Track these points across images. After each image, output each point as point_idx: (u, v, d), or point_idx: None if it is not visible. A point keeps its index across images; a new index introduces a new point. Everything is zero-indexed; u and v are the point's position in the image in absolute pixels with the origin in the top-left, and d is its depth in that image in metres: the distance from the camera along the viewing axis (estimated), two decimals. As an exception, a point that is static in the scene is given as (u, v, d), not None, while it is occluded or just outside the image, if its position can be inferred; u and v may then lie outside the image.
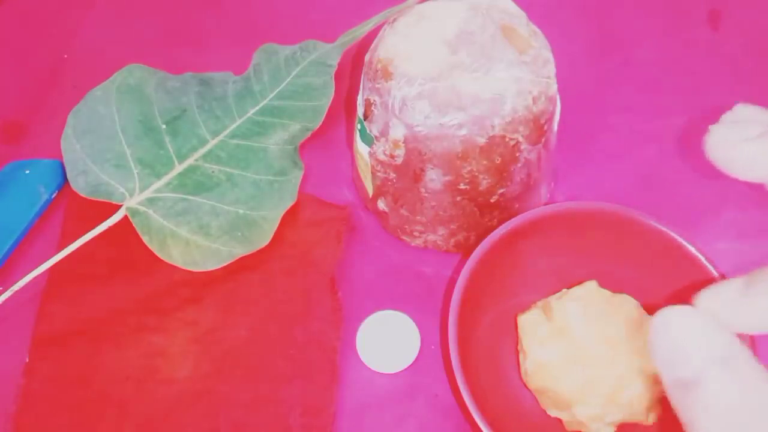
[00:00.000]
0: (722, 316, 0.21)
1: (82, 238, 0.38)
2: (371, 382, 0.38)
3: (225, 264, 0.39)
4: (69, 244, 0.38)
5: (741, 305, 0.21)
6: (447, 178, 0.36)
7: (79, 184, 0.40)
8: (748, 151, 0.23)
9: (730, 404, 0.19)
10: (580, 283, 0.36)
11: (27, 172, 0.42)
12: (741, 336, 0.30)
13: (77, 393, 0.37)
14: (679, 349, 0.21)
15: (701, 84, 0.47)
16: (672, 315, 0.21)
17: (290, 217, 0.40)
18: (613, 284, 0.36)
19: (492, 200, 0.37)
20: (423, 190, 0.37)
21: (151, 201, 0.39)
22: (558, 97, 0.37)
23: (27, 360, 0.38)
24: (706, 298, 0.22)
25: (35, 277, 0.37)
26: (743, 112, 0.25)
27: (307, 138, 0.42)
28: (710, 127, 0.24)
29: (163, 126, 0.42)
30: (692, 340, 0.21)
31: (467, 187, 0.36)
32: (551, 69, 0.35)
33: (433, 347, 0.39)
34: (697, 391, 0.20)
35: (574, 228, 0.37)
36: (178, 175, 0.40)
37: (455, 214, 0.38)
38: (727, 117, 0.24)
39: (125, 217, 0.39)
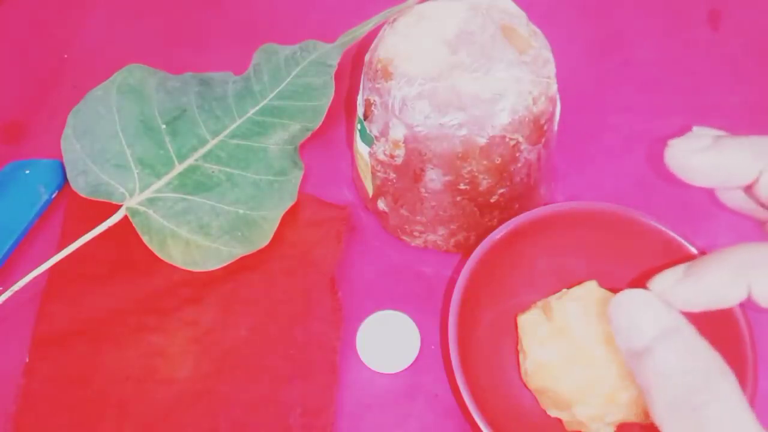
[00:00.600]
0: (667, 296, 0.25)
1: (82, 238, 0.38)
2: (371, 382, 0.38)
3: (225, 264, 0.39)
4: (69, 244, 0.38)
5: (681, 287, 0.25)
6: (447, 178, 0.36)
7: (79, 184, 0.40)
8: (697, 162, 0.27)
9: (676, 367, 0.23)
10: (580, 283, 0.36)
11: (27, 172, 0.42)
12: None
13: (77, 393, 0.37)
14: (633, 324, 0.24)
15: (701, 84, 0.47)
16: (628, 295, 0.25)
17: (290, 217, 0.40)
18: (613, 284, 0.36)
19: (492, 200, 0.37)
20: (423, 190, 0.37)
21: (151, 201, 0.39)
22: (558, 97, 0.37)
23: (27, 360, 0.38)
24: (656, 281, 0.26)
25: (35, 277, 0.37)
26: (701, 131, 0.28)
27: (307, 138, 0.42)
28: (669, 141, 0.28)
29: (163, 126, 0.42)
30: (644, 315, 0.24)
31: (467, 187, 0.36)
32: (551, 69, 0.35)
33: (433, 347, 0.39)
34: (648, 359, 0.23)
35: (574, 228, 0.37)
36: (178, 175, 0.40)
37: (455, 214, 0.38)
38: (686, 135, 0.28)
39: (125, 217, 0.39)
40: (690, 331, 0.24)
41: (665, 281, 0.26)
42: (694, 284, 0.25)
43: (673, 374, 0.23)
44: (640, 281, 0.36)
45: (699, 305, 0.25)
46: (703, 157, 0.27)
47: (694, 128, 0.29)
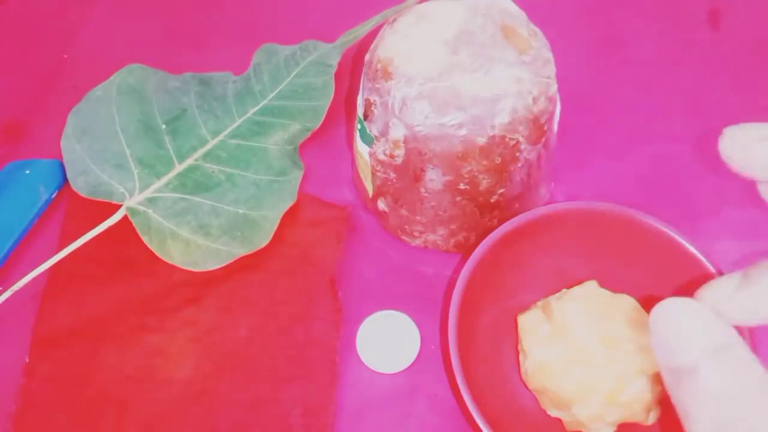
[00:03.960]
0: (721, 308, 0.22)
1: (82, 238, 0.38)
2: (371, 382, 0.38)
3: (225, 264, 0.39)
4: (69, 244, 0.38)
5: (737, 298, 0.22)
6: (447, 178, 0.36)
7: (78, 184, 0.40)
8: (760, 152, 0.23)
9: (724, 393, 0.20)
10: (580, 283, 0.36)
11: (27, 172, 0.42)
12: (740, 330, 0.30)
13: (77, 393, 0.37)
14: (676, 338, 0.21)
15: (701, 84, 0.47)
16: (672, 305, 0.22)
17: (290, 217, 0.40)
18: (613, 284, 0.36)
19: (492, 200, 0.37)
20: (423, 190, 0.37)
21: (151, 201, 0.39)
22: (558, 97, 0.37)
23: (27, 360, 0.38)
24: (705, 291, 0.23)
25: (35, 277, 0.37)
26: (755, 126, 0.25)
27: (307, 138, 0.42)
28: (725, 128, 0.24)
29: (163, 126, 0.42)
30: (690, 329, 0.21)
31: (467, 187, 0.36)
32: (551, 69, 0.35)
33: (433, 347, 0.39)
34: (692, 380, 0.21)
35: (574, 228, 0.37)
36: (178, 175, 0.40)
37: (455, 214, 0.38)
38: (743, 124, 0.24)
39: (125, 217, 0.39)
40: (743, 349, 0.21)
41: (719, 290, 0.23)
42: (758, 293, 0.22)
43: (720, 399, 0.20)
44: (642, 281, 0.36)
45: (760, 317, 0.22)
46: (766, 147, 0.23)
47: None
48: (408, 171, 0.36)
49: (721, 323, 0.21)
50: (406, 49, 0.35)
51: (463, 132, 0.34)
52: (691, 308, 0.22)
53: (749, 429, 0.19)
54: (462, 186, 0.36)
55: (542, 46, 0.36)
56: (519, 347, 0.36)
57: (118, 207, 0.39)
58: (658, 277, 0.36)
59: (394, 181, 0.38)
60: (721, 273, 0.34)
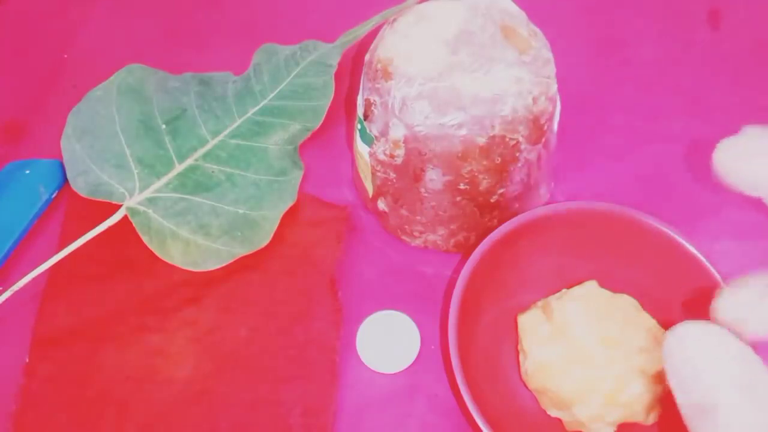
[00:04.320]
0: (743, 320, 0.20)
1: (82, 238, 0.38)
2: (371, 382, 0.38)
3: (225, 264, 0.39)
4: (69, 244, 0.38)
5: (762, 308, 0.20)
6: (447, 178, 0.36)
7: (78, 184, 0.40)
8: (754, 168, 0.23)
9: (752, 429, 0.18)
10: (580, 283, 0.36)
11: (27, 172, 0.42)
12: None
13: (77, 393, 0.37)
14: (695, 371, 0.19)
15: (701, 84, 0.47)
16: (687, 332, 0.20)
17: (290, 217, 0.40)
18: (613, 284, 0.36)
19: (492, 200, 0.37)
20: (423, 190, 0.37)
21: (151, 201, 0.39)
22: (558, 97, 0.37)
23: (27, 360, 0.38)
24: (724, 307, 0.21)
25: (35, 277, 0.37)
26: (752, 132, 0.24)
27: (307, 138, 0.42)
28: (719, 143, 0.23)
29: (163, 126, 0.42)
30: (709, 361, 0.19)
31: (467, 187, 0.36)
32: (551, 69, 0.35)
33: (433, 347, 0.39)
34: (714, 417, 0.19)
35: (574, 228, 0.37)
36: (178, 175, 0.40)
37: (455, 214, 0.38)
38: (737, 136, 0.24)
39: (125, 217, 0.39)
40: (766, 383, 0.19)
41: (738, 306, 0.21)
42: None
43: None
44: (642, 281, 0.36)
45: None
46: (760, 163, 0.22)
47: (746, 128, 0.24)
48: (408, 171, 0.36)
49: (742, 353, 0.19)
50: (406, 49, 0.35)
51: (463, 132, 0.34)
52: (707, 336, 0.20)
53: None
54: (462, 186, 0.36)
55: (542, 46, 0.36)
56: (519, 347, 0.36)
57: (118, 207, 0.39)
58: (658, 277, 0.36)
59: (394, 181, 0.38)
60: (721, 274, 0.34)
